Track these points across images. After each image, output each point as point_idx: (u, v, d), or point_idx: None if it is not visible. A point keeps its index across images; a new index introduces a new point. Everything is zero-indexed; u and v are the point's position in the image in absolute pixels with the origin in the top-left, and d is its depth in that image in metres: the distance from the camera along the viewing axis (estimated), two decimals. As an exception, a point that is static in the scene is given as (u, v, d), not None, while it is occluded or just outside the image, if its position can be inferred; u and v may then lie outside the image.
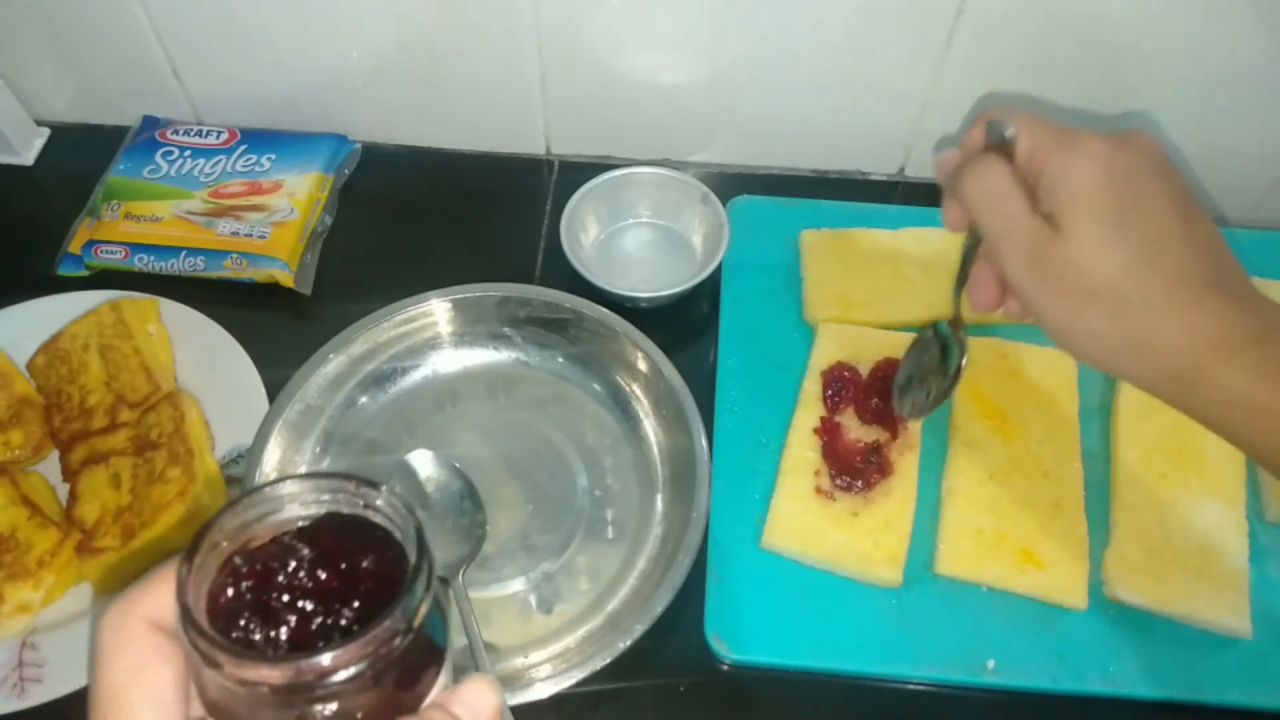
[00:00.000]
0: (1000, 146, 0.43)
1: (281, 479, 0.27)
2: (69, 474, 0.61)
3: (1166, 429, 0.61)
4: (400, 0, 0.69)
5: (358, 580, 0.26)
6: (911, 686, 0.55)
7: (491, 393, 0.65)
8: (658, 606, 0.52)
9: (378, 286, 0.65)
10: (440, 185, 0.78)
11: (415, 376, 0.66)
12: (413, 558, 0.26)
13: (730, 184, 0.76)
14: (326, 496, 0.27)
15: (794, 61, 0.71)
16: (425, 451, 0.60)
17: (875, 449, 0.60)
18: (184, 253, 0.70)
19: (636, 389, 0.64)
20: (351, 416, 0.64)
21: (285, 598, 0.26)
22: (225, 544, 0.26)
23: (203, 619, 0.25)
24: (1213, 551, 0.57)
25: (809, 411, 0.62)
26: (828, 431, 0.61)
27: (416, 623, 0.25)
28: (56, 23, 0.73)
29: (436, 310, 0.64)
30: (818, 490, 0.59)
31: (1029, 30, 0.66)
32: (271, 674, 0.24)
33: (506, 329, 0.66)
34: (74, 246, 0.71)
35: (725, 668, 0.56)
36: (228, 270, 0.70)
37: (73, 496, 0.60)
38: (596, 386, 0.65)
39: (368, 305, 0.63)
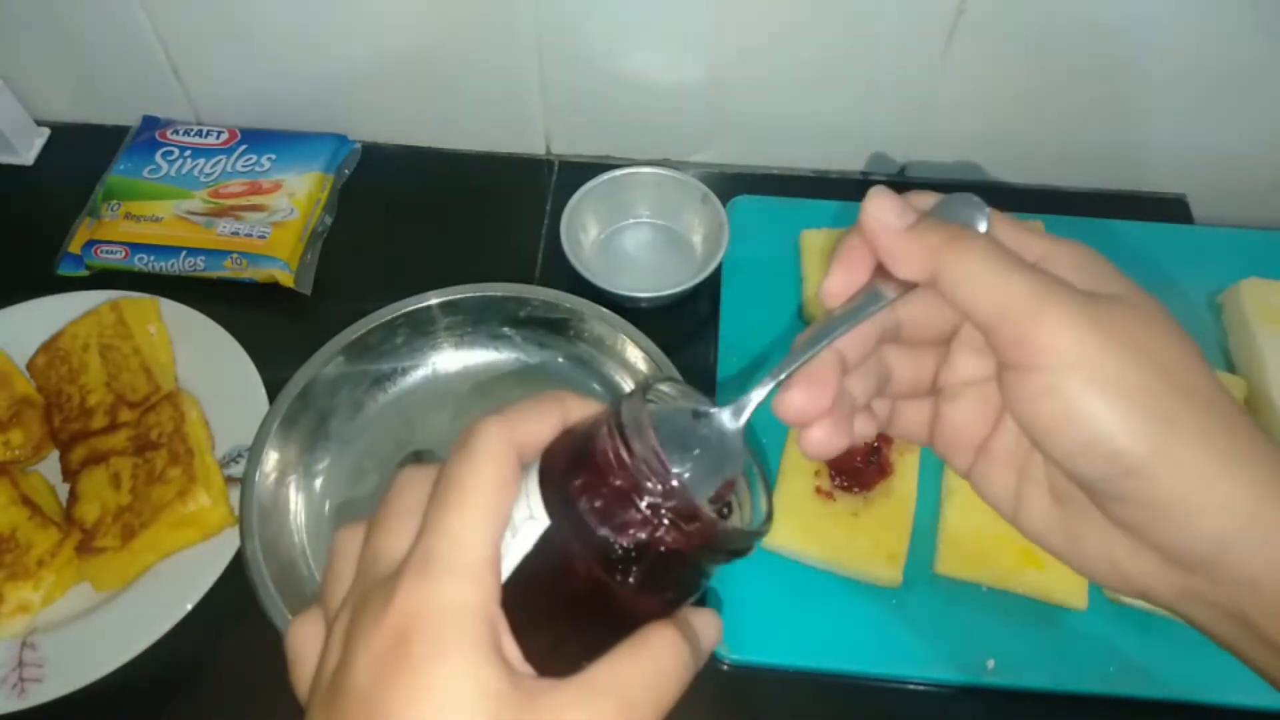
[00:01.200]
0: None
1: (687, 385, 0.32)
2: (69, 474, 0.61)
3: (1167, 429, 0.61)
4: (400, 0, 0.69)
5: (716, 499, 0.30)
6: (911, 686, 0.55)
7: (492, 393, 0.65)
8: (658, 606, 0.52)
9: (378, 286, 0.65)
10: (440, 185, 0.78)
11: (415, 376, 0.66)
12: (768, 505, 0.31)
13: (730, 184, 0.76)
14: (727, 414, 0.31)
15: (794, 61, 0.71)
16: (425, 451, 0.60)
17: (875, 449, 0.60)
18: (184, 253, 0.70)
19: (636, 389, 0.64)
20: (351, 416, 0.64)
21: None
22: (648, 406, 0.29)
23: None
24: (1213, 551, 0.57)
25: (809, 411, 0.62)
26: (828, 431, 0.61)
27: (747, 550, 0.29)
28: (56, 23, 0.73)
29: (436, 310, 0.64)
30: (818, 490, 0.59)
31: (1029, 31, 0.66)
32: (667, 489, 0.26)
33: (506, 329, 0.66)
34: (74, 246, 0.71)
35: (725, 668, 0.56)
36: (228, 270, 0.70)
37: (73, 496, 0.60)
38: (596, 386, 0.65)
39: (368, 305, 0.63)
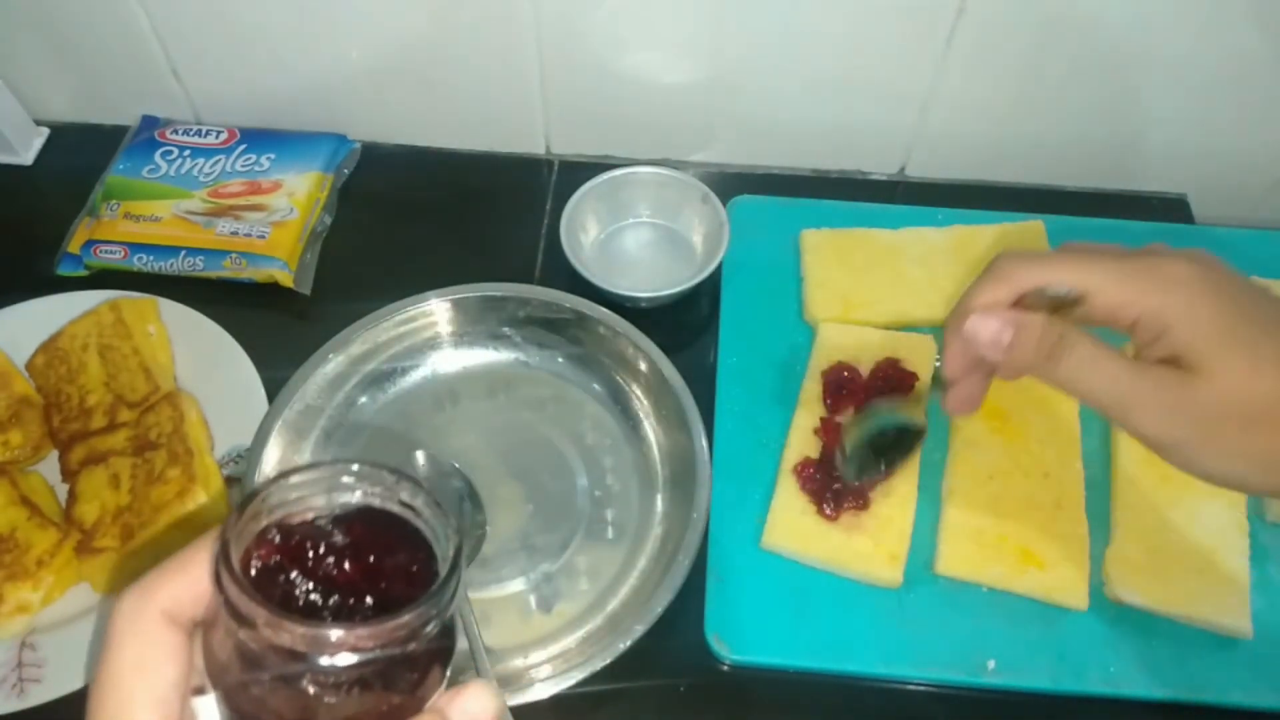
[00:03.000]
0: (1053, 306, 0.40)
1: (321, 464, 0.28)
2: (68, 474, 0.61)
3: (1167, 429, 0.61)
4: (400, 0, 0.69)
5: (383, 575, 0.27)
6: (912, 687, 0.55)
7: (491, 393, 0.65)
8: (658, 607, 0.52)
9: (378, 286, 0.65)
10: (440, 185, 0.78)
11: (415, 376, 0.66)
12: (450, 556, 0.27)
13: (730, 184, 0.76)
14: (366, 487, 0.28)
15: (794, 61, 0.71)
16: (425, 451, 0.60)
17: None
18: (183, 252, 0.70)
19: (636, 389, 0.64)
20: (351, 416, 0.64)
21: (312, 581, 0.26)
22: (265, 517, 0.27)
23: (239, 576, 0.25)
24: (1213, 552, 0.57)
25: (809, 411, 0.62)
26: (828, 431, 0.61)
27: (445, 618, 0.26)
28: (56, 23, 0.73)
29: (436, 310, 0.64)
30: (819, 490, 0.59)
31: (1029, 30, 0.66)
32: (302, 637, 0.24)
33: (506, 329, 0.66)
34: (73, 246, 0.71)
35: (725, 668, 0.56)
36: (227, 270, 0.69)
37: (72, 497, 0.60)
38: (596, 386, 0.65)
39: (368, 305, 0.63)
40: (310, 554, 0.26)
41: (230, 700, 0.26)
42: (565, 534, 0.60)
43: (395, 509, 0.28)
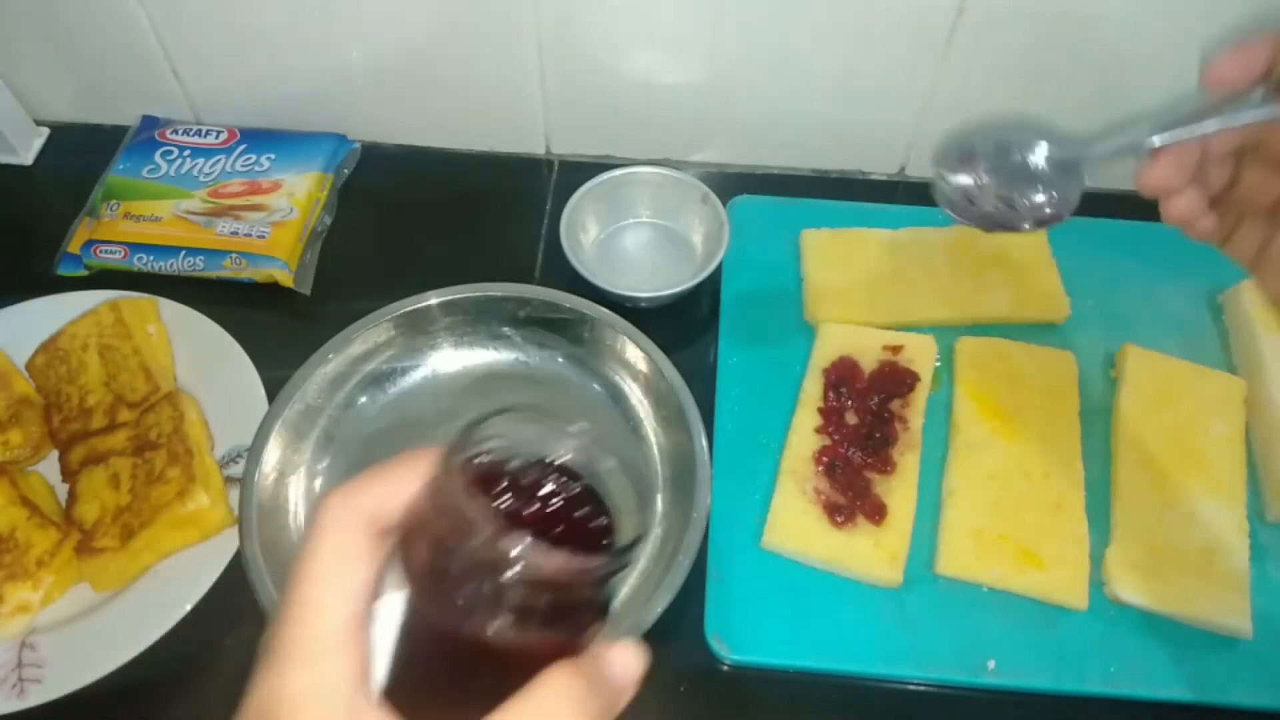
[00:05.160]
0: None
1: (542, 412, 0.30)
2: (68, 474, 0.61)
3: (1167, 429, 0.61)
4: (400, 0, 0.69)
5: (570, 527, 0.29)
6: (912, 687, 0.55)
7: (491, 393, 0.65)
8: (658, 607, 0.52)
9: (378, 286, 0.65)
10: (440, 185, 0.78)
11: (415, 376, 0.66)
12: (647, 521, 0.29)
13: (730, 184, 0.76)
14: (575, 445, 0.30)
15: (794, 61, 0.71)
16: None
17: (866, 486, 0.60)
18: (183, 252, 0.70)
19: (636, 389, 0.64)
20: (351, 416, 0.64)
21: (513, 511, 0.28)
22: (481, 445, 0.28)
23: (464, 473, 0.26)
24: (1213, 552, 0.57)
25: (809, 411, 0.62)
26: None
27: (628, 572, 0.28)
28: (56, 23, 0.73)
29: (436, 310, 0.64)
30: (818, 490, 0.59)
31: (1029, 30, 0.66)
32: (518, 550, 0.25)
33: (506, 329, 0.66)
34: (73, 246, 0.71)
35: (725, 668, 0.56)
36: (227, 270, 0.69)
37: (72, 496, 0.60)
38: (596, 386, 0.65)
39: (368, 305, 0.63)
40: (516, 487, 0.28)
41: (418, 607, 0.27)
42: (565, 534, 0.59)
43: (589, 475, 0.30)
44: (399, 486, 0.28)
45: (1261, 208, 0.35)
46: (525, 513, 0.28)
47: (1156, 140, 0.31)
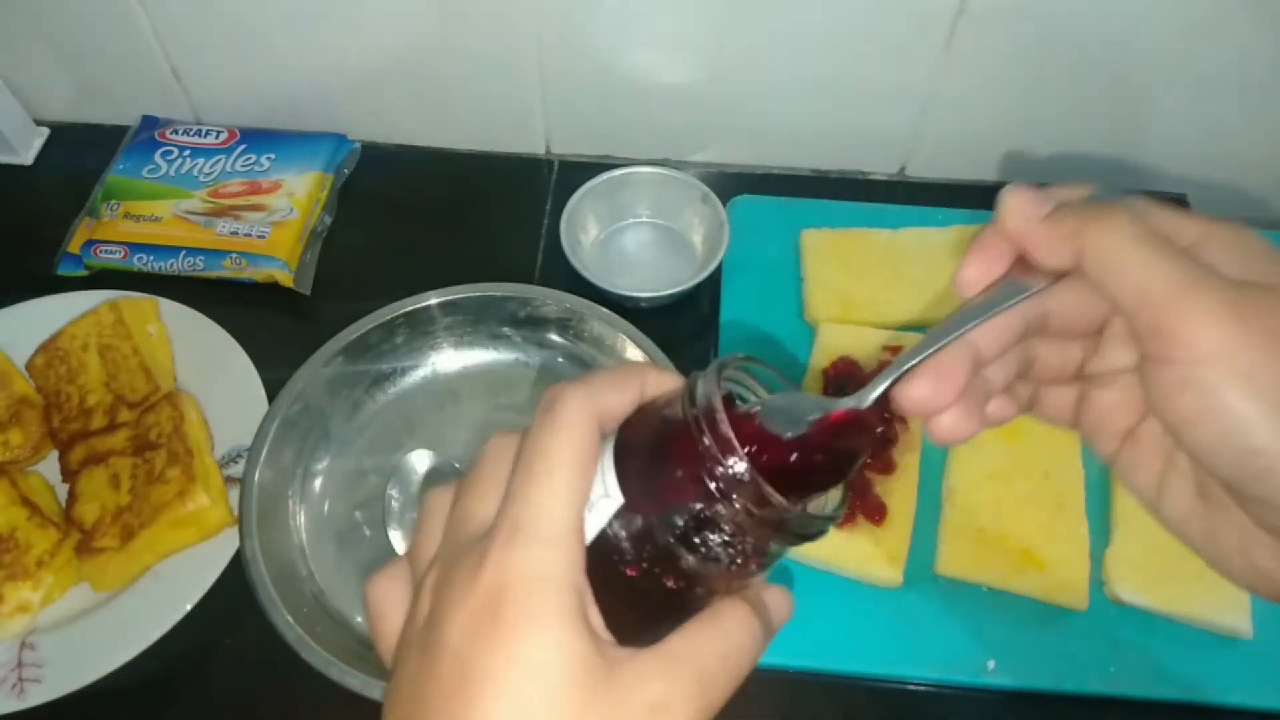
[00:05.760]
0: None
1: (792, 385, 0.31)
2: (68, 474, 0.61)
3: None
4: (400, 0, 0.69)
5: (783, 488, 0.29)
6: (912, 687, 0.55)
7: (491, 393, 0.65)
8: (658, 607, 0.52)
9: (378, 286, 0.65)
10: (440, 185, 0.78)
11: (415, 376, 0.66)
12: (843, 492, 0.30)
13: (730, 184, 0.76)
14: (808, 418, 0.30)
15: (794, 61, 0.71)
16: (425, 451, 0.60)
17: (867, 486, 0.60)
18: (183, 252, 0.70)
19: (636, 389, 0.64)
20: (351, 417, 0.64)
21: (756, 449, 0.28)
22: (730, 384, 0.29)
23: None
24: (1213, 552, 0.57)
25: (809, 411, 0.62)
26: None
27: (838, 516, 0.29)
28: (56, 23, 0.73)
29: (436, 310, 0.64)
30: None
31: (1029, 30, 0.66)
32: (749, 479, 0.26)
33: (506, 329, 0.66)
34: (73, 246, 0.71)
35: (725, 668, 0.56)
36: (227, 270, 0.69)
37: (72, 497, 0.60)
38: (596, 386, 0.65)
39: (368, 305, 0.63)
40: (750, 433, 0.28)
41: (631, 511, 0.27)
42: (565, 534, 0.59)
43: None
44: (625, 396, 0.29)
45: (1067, 377, 0.34)
46: (764, 459, 0.28)
47: (914, 360, 0.31)
